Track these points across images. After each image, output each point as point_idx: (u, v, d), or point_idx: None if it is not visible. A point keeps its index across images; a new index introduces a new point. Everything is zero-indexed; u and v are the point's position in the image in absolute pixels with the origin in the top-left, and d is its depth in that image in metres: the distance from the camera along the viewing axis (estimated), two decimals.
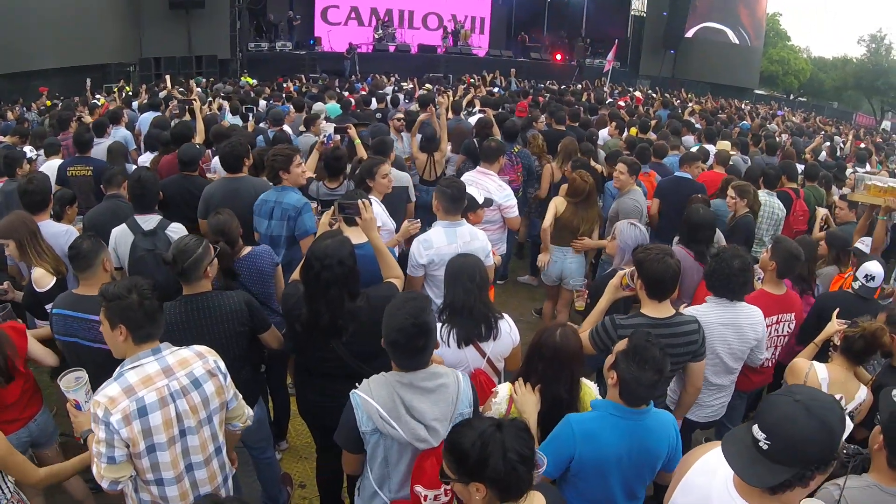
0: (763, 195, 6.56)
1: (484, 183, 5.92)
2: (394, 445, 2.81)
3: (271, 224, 4.87)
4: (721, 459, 2.07)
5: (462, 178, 5.90)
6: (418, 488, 2.76)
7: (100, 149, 7.67)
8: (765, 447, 1.92)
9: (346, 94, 14.90)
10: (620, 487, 2.90)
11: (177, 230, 4.68)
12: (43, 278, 4.17)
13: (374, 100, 13.30)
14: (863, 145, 15.59)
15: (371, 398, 2.75)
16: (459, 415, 2.82)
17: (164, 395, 2.75)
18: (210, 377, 2.91)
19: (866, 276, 4.53)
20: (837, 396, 3.49)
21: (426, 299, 2.98)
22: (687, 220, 5.11)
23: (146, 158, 7.63)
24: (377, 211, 4.94)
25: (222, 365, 3.00)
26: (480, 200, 5.08)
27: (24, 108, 16.24)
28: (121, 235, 4.63)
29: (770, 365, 4.52)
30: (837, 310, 4.15)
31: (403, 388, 2.76)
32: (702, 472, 2.33)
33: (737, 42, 34.62)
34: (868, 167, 11.76)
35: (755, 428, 1.96)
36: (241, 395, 3.15)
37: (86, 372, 3.01)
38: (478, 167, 6.25)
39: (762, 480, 1.95)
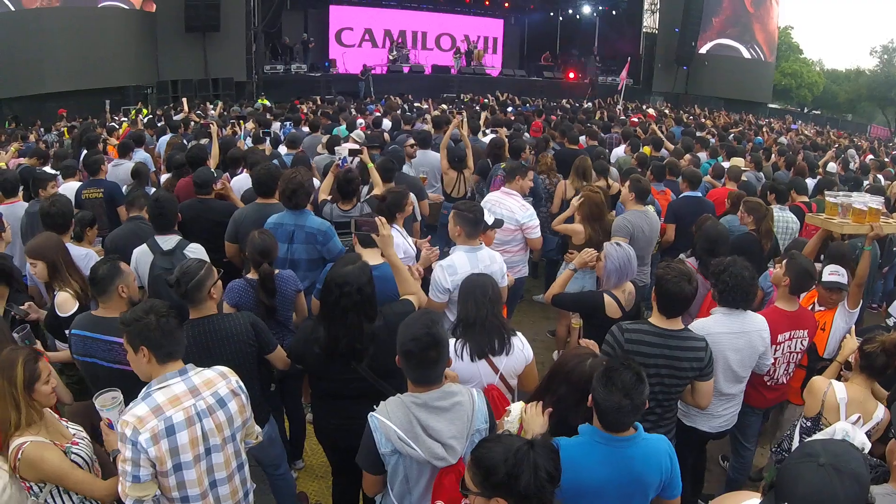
0: (775, 210, 6.56)
1: (506, 203, 5.97)
2: (413, 464, 2.83)
3: (292, 248, 4.90)
4: None
5: (487, 197, 6.08)
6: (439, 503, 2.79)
7: (122, 170, 7.86)
8: None
9: (357, 115, 14.99)
10: None
11: (195, 250, 4.74)
12: (66, 303, 4.17)
13: (386, 120, 13.35)
14: (870, 157, 15.48)
15: (389, 420, 2.78)
16: (476, 431, 2.85)
17: (191, 414, 2.82)
18: (233, 396, 3.00)
19: None
20: (855, 416, 3.51)
21: (439, 314, 3.03)
22: (705, 234, 5.15)
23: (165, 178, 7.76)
24: (398, 241, 4.99)
25: (242, 385, 3.08)
26: (490, 222, 5.11)
27: (42, 130, 16.47)
28: (141, 255, 4.73)
29: (784, 381, 4.52)
30: (853, 327, 4.14)
31: (419, 409, 2.79)
32: None
33: (749, 58, 34.61)
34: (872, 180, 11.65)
35: None
36: (253, 415, 3.21)
37: (121, 392, 3.07)
38: (502, 188, 6.30)
39: None
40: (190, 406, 2.83)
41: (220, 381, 2.99)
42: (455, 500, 2.74)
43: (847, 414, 3.54)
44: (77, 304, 4.16)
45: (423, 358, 2.77)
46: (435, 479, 2.83)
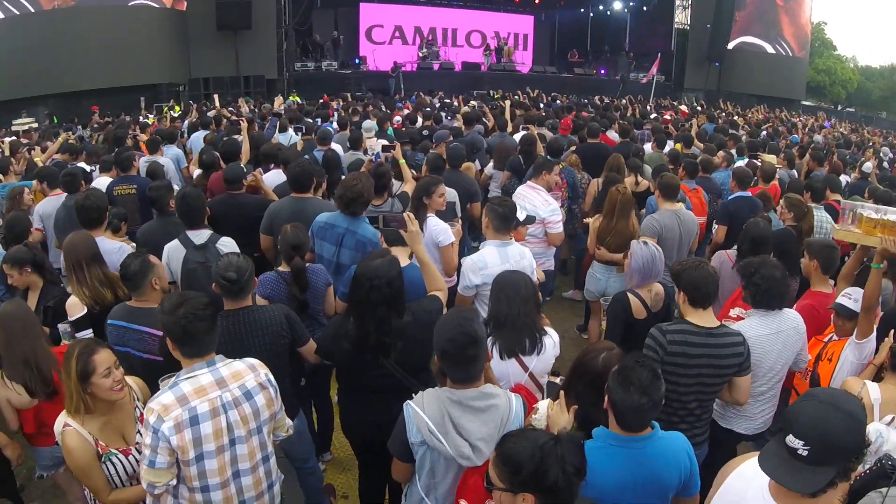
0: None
1: (530, 197, 5.99)
2: (440, 458, 2.84)
3: (341, 251, 4.86)
4: (757, 469, 2.10)
5: (516, 192, 6.15)
6: (463, 502, 2.76)
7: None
8: (804, 453, 1.95)
9: (390, 112, 15.00)
10: None
11: (227, 244, 4.78)
12: (74, 307, 4.21)
13: (419, 117, 13.34)
14: None
15: (422, 411, 2.78)
16: None
17: (217, 405, 2.85)
18: (261, 389, 3.01)
19: None
20: (889, 417, 3.42)
21: (475, 311, 3.01)
22: (749, 235, 5.05)
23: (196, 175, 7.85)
24: (435, 220, 5.07)
25: (272, 378, 3.09)
26: (522, 217, 5.09)
27: (79, 128, 16.73)
28: (173, 250, 4.76)
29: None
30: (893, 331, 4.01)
31: (452, 405, 2.78)
32: (739, 478, 2.37)
33: (773, 53, 34.09)
34: None
35: (789, 438, 1.99)
36: (284, 407, 3.22)
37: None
38: (527, 182, 6.30)
39: (810, 486, 1.97)
40: (216, 397, 2.86)
41: (249, 373, 3.01)
42: (479, 501, 2.71)
43: (881, 415, 3.45)
44: (84, 310, 4.19)
45: (460, 357, 2.76)
46: (461, 478, 2.83)
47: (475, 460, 2.73)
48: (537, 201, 5.95)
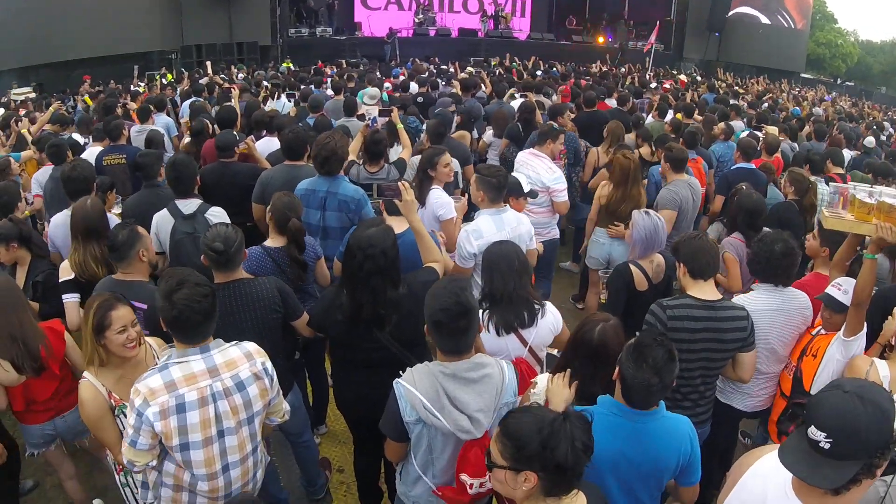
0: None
1: (533, 164, 5.91)
2: (437, 435, 2.79)
3: (326, 215, 4.81)
4: (776, 464, 2.02)
5: (517, 158, 6.09)
6: (464, 476, 2.72)
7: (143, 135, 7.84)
8: (826, 447, 1.86)
9: (383, 78, 14.84)
10: (622, 492, 2.70)
11: (216, 214, 4.69)
12: (64, 270, 4.19)
13: (413, 84, 13.17)
14: None
15: (415, 388, 2.71)
16: (504, 405, 2.78)
17: (206, 395, 2.78)
18: (255, 380, 2.93)
19: None
20: None
21: (467, 281, 2.93)
22: (741, 205, 4.98)
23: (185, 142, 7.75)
24: (438, 192, 4.96)
25: (269, 366, 3.01)
26: (526, 189, 4.98)
27: (69, 98, 16.52)
28: (161, 220, 4.67)
29: None
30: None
31: (447, 379, 2.72)
32: (756, 475, 2.28)
33: (770, 23, 33.65)
34: None
35: (811, 430, 1.90)
36: (282, 392, 3.16)
37: None
38: (531, 149, 6.19)
39: (832, 481, 1.89)
40: (206, 386, 2.78)
41: (244, 362, 2.92)
42: (479, 474, 2.69)
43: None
44: (71, 276, 4.14)
45: (453, 328, 2.68)
46: (459, 451, 2.77)
47: (475, 432, 2.69)
48: (541, 169, 5.88)
